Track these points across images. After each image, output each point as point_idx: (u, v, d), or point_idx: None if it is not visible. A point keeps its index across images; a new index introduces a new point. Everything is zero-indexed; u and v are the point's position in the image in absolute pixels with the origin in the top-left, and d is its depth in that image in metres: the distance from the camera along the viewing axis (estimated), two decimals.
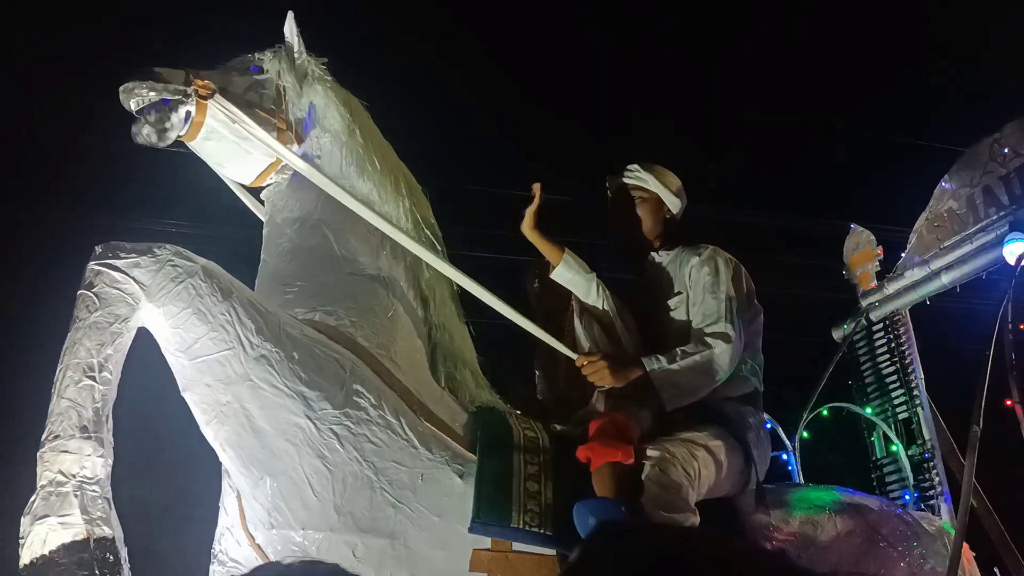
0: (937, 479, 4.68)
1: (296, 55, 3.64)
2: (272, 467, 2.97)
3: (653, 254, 3.82)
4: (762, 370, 3.67)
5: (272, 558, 3.00)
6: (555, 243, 3.65)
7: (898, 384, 4.96)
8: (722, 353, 3.38)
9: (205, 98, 3.23)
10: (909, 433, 4.87)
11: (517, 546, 3.08)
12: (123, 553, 2.72)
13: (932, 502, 4.65)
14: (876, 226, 5.39)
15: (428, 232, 3.61)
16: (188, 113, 3.25)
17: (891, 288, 5.04)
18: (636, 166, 3.82)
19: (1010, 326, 3.86)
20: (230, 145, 3.43)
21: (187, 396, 3.04)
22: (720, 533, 3.15)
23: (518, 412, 3.49)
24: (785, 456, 4.85)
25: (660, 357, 3.37)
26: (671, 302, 3.65)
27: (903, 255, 5.05)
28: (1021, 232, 4.20)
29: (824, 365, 5.14)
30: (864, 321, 5.14)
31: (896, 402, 4.95)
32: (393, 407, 3.10)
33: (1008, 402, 3.94)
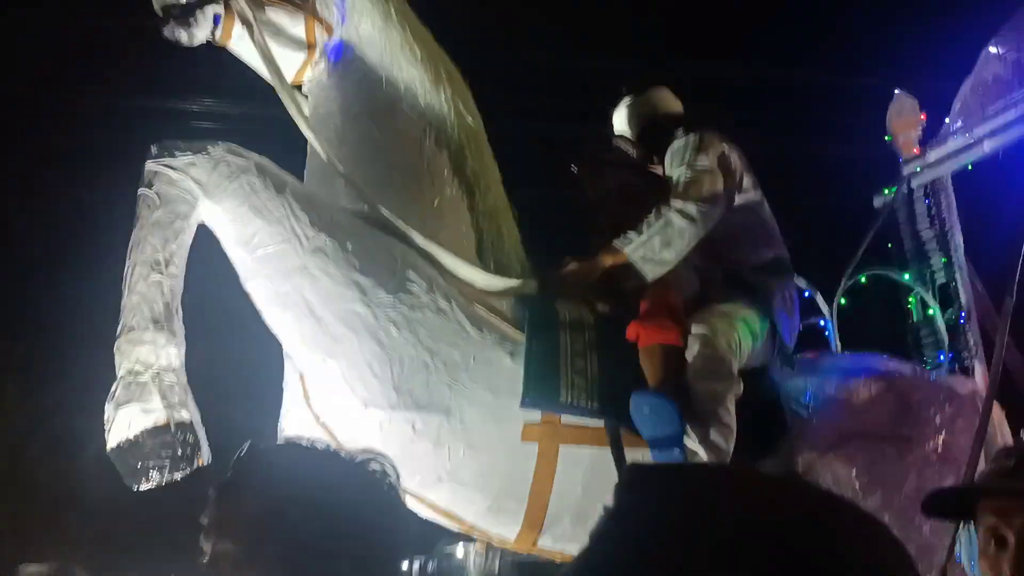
0: (971, 341, 4.78)
1: None
2: (334, 351, 3.12)
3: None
4: (778, 237, 3.78)
5: (338, 435, 3.21)
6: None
7: (937, 249, 4.99)
8: (685, 221, 3.42)
9: None
10: (946, 297, 4.94)
11: (566, 419, 3.27)
12: (201, 433, 2.93)
13: (967, 364, 4.76)
14: (924, 81, 5.28)
15: (470, 119, 3.65)
16: (216, 15, 3.26)
17: (933, 155, 5.01)
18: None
19: None
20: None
21: (248, 287, 3.18)
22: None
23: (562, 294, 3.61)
24: (823, 323, 4.96)
25: (629, 235, 3.43)
26: None
27: (947, 121, 4.99)
28: None
29: (864, 231, 5.17)
30: (905, 188, 5.13)
31: (934, 267, 5.01)
32: (444, 292, 3.23)
33: None
